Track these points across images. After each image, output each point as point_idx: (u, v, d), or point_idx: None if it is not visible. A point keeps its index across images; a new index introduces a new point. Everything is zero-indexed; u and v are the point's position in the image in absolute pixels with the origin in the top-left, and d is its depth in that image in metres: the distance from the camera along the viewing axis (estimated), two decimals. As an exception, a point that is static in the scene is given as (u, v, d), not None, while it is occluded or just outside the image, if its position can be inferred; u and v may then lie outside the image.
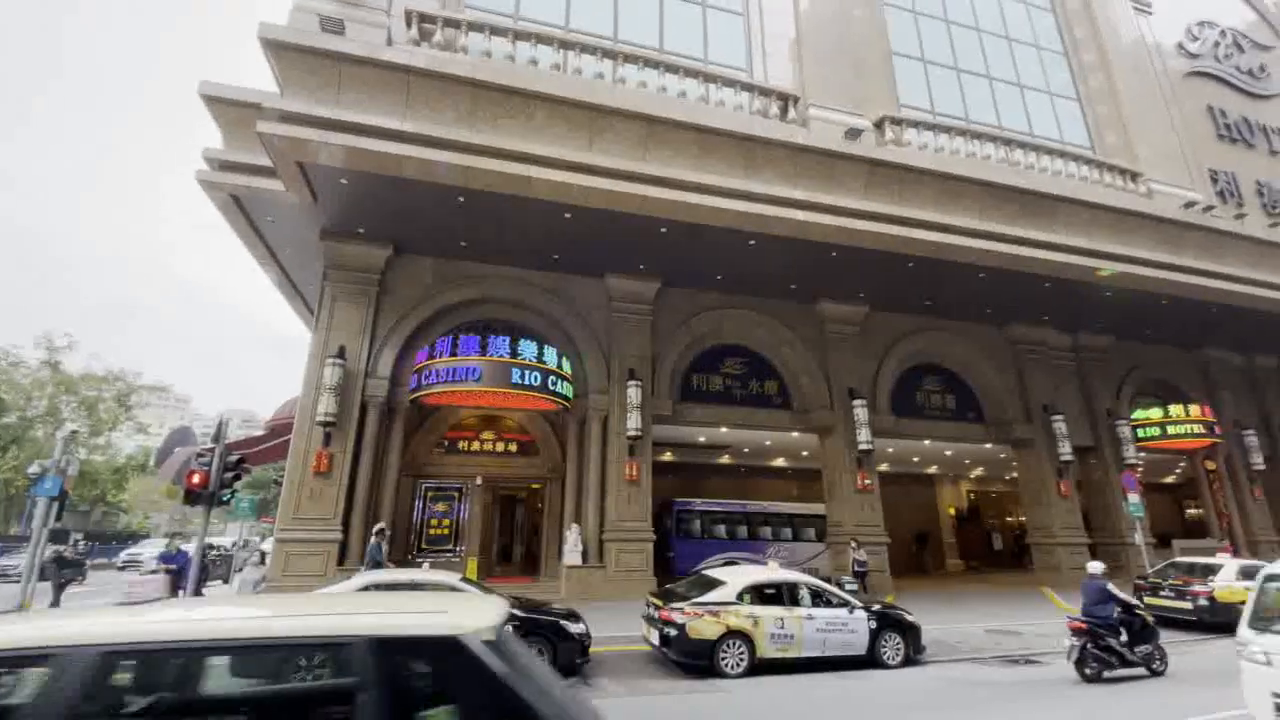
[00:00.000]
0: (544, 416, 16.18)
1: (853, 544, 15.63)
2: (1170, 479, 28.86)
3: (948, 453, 23.79)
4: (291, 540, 12.59)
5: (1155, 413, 20.52)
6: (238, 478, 11.03)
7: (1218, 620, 12.07)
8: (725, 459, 25.00)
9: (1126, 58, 20.95)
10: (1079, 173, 17.27)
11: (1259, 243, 17.99)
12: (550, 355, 13.94)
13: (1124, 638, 8.67)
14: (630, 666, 8.93)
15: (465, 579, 8.80)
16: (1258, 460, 21.56)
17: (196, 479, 10.17)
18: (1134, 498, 16.85)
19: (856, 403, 17.01)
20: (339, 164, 11.18)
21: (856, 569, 14.95)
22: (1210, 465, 22.05)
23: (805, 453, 22.24)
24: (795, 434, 18.71)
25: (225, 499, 11.21)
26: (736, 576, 9.39)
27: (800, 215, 13.33)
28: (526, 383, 13.31)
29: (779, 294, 17.52)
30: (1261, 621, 5.85)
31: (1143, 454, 20.10)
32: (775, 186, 13.26)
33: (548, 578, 15.07)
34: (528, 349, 13.58)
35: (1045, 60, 20.67)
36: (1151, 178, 18.53)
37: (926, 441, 20.31)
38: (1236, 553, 18.90)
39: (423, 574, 8.72)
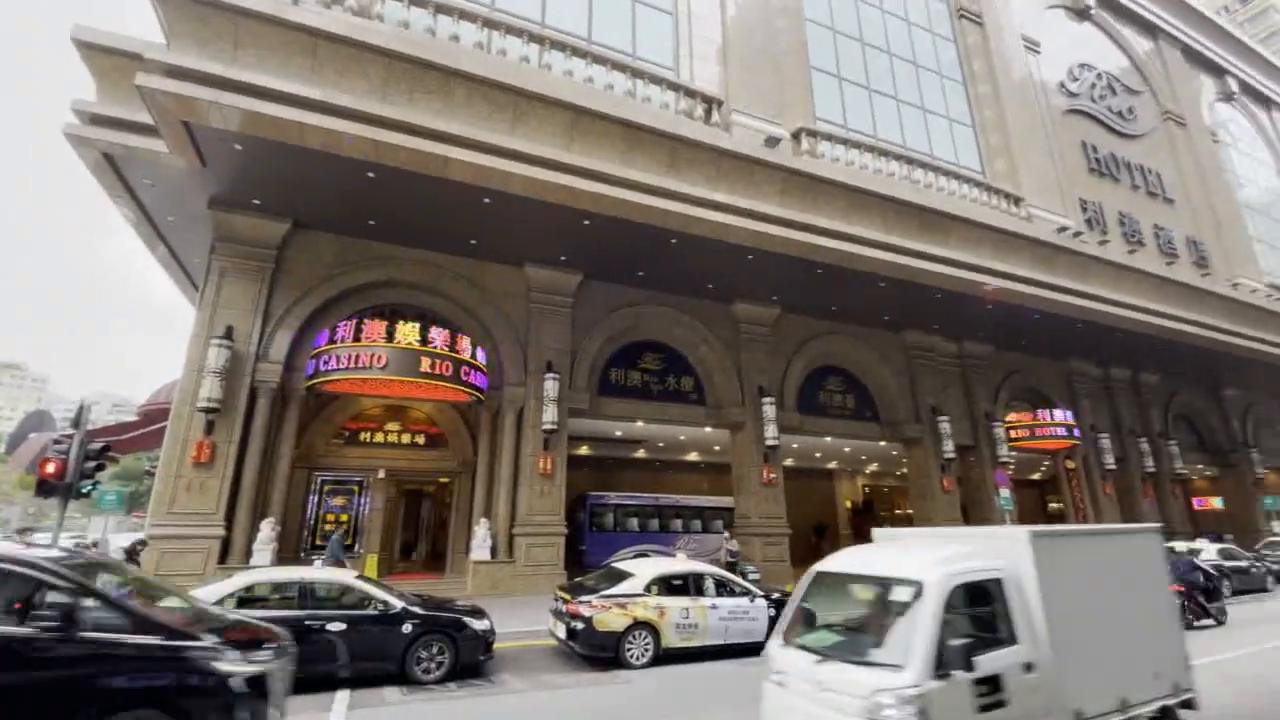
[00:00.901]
0: (455, 408, 15.68)
1: (725, 535, 16.44)
2: (1036, 476, 32.05)
3: (846, 449, 25.22)
4: (166, 536, 11.51)
5: (1026, 416, 22.68)
6: (101, 467, 9.98)
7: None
8: (641, 453, 25.29)
9: (1016, 92, 22.92)
10: (971, 194, 18.74)
11: (1119, 267, 20.29)
12: (464, 345, 13.49)
13: (1201, 598, 12.16)
14: (536, 661, 8.85)
15: (362, 577, 8.39)
16: (1110, 461, 24.33)
17: (51, 468, 9.11)
18: (1005, 492, 18.59)
19: (765, 400, 17.67)
20: (233, 127, 10.27)
21: (729, 559, 15.64)
22: (1070, 464, 24.67)
23: (717, 447, 22.91)
24: (708, 429, 19.20)
25: (85, 490, 10.13)
26: (645, 568, 9.52)
27: (720, 217, 13.64)
28: (437, 373, 12.80)
29: (698, 293, 17.86)
30: (792, 632, 4.91)
31: (1014, 453, 22.18)
32: (697, 187, 13.49)
33: (454, 574, 14.66)
34: (439, 337, 13.06)
35: (947, 88, 22.24)
36: (1031, 203, 20.41)
37: (828, 438, 21.42)
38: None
39: (314, 572, 8.22)
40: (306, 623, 7.19)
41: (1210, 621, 12.15)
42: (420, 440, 15.54)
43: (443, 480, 16.78)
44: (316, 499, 14.40)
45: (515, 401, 15.12)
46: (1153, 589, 5.63)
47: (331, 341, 12.77)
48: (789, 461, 24.09)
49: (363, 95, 10.74)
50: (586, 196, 12.47)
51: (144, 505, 28.49)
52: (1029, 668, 4.37)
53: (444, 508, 16.95)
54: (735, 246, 14.56)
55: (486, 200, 12.52)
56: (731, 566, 15.14)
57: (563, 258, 15.65)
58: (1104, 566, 5.27)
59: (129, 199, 13.14)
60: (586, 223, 13.46)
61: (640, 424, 18.53)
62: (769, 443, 17.48)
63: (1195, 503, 30.44)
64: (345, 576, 8.11)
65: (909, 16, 22.26)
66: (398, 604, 7.76)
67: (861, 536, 30.29)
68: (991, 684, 4.13)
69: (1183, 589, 11.87)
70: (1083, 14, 27.64)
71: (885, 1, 21.73)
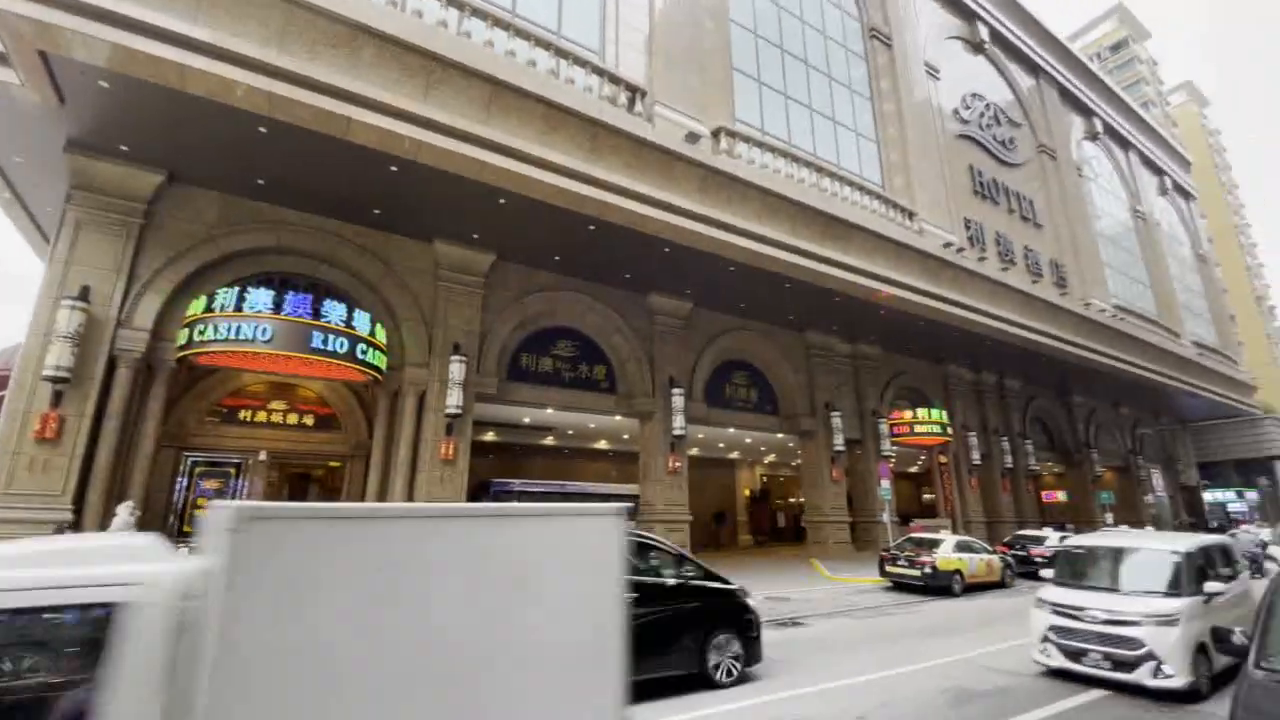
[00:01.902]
0: (349, 387, 14.81)
1: None
2: (914, 469, 34.87)
3: (748, 440, 26.27)
4: (2, 520, 10.10)
5: (908, 414, 24.61)
6: (-88, 441, 8.59)
7: (938, 584, 14.85)
8: (549, 440, 25.06)
9: (917, 114, 24.60)
10: (871, 206, 19.95)
11: (994, 283, 22.39)
12: (361, 320, 12.70)
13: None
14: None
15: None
16: (976, 457, 26.91)
17: None
18: (885, 484, 20.09)
19: (675, 391, 18.04)
20: (100, 63, 9.07)
21: None
22: (943, 459, 27.03)
23: (626, 436, 23.09)
24: (619, 418, 19.32)
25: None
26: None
27: (639, 207, 13.68)
28: (330, 349, 11.96)
29: (614, 282, 17.86)
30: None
31: (896, 447, 24.01)
32: (617, 175, 13.43)
33: (343, 561, 13.89)
34: (334, 311, 12.20)
35: (856, 103, 23.50)
36: (923, 218, 22.04)
37: (731, 429, 22.23)
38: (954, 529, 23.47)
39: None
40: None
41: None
42: (309, 421, 14.56)
43: (333, 464, 15.84)
44: (186, 481, 13.14)
45: (417, 383, 14.49)
46: (581, 605, 2.88)
47: (209, 309, 11.64)
48: (694, 451, 24.79)
49: (258, 42, 9.79)
50: (502, 173, 12.10)
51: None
52: None
53: (333, 493, 15.99)
54: (652, 238, 14.66)
55: (394, 168, 11.86)
56: None
57: (475, 236, 15.12)
58: (459, 576, 2.56)
59: (-41, 131, 11.31)
60: (502, 201, 13.07)
61: (550, 411, 18.35)
62: (676, 432, 17.87)
63: (1045, 496, 34.42)
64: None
65: (826, 30, 23.26)
66: None
67: (756, 522, 31.81)
68: None
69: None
70: (978, 48, 30.07)
71: (805, 13, 22.57)
